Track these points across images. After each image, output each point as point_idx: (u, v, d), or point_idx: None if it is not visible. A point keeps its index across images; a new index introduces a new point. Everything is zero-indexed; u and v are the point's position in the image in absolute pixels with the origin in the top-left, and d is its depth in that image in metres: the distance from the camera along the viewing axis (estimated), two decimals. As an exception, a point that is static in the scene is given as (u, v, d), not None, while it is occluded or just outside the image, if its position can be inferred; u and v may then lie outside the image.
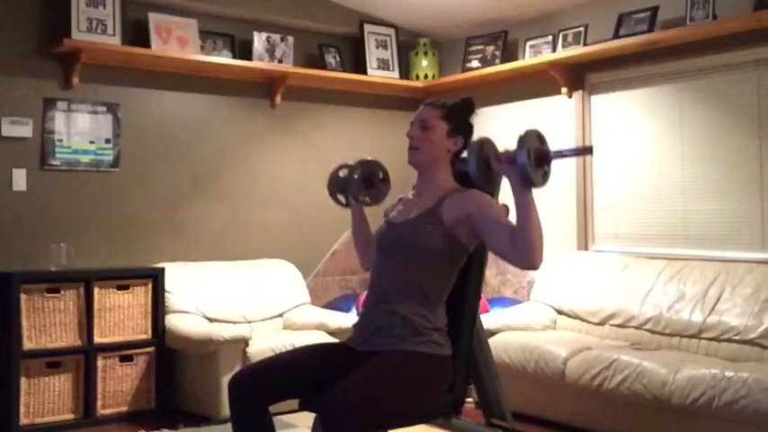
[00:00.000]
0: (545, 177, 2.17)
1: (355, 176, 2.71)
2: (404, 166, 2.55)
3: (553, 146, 2.25)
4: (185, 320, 4.19)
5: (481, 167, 2.26)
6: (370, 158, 2.77)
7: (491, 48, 5.18)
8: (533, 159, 2.11)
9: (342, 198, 2.81)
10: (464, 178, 2.40)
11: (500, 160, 2.17)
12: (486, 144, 2.30)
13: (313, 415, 2.28)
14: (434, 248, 2.32)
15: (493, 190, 2.44)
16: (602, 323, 4.20)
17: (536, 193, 2.06)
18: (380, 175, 2.76)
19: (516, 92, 5.11)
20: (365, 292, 2.55)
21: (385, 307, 2.33)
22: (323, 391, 2.13)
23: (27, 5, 4.21)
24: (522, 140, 2.13)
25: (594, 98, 4.75)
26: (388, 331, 2.30)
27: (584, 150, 2.52)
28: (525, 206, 2.12)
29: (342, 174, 2.79)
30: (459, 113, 2.48)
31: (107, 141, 4.43)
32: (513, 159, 2.12)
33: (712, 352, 3.70)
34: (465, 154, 2.41)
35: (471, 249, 2.39)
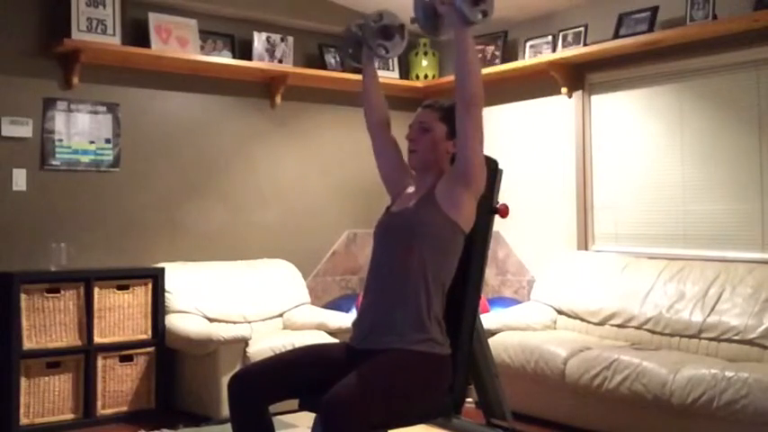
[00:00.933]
0: (485, 15, 2.33)
1: (373, 24, 2.62)
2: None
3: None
4: (185, 320, 4.19)
5: (428, 14, 2.43)
6: (387, 9, 2.66)
7: (491, 48, 5.18)
8: None
9: (354, 54, 2.71)
10: (414, 24, 2.50)
11: (443, 2, 2.33)
12: None
13: (313, 415, 2.28)
14: (432, 232, 2.33)
15: (440, 33, 2.52)
16: (602, 323, 4.20)
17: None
18: (398, 25, 2.66)
19: (516, 92, 5.11)
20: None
21: (384, 302, 2.33)
22: (323, 391, 2.12)
23: (27, 5, 4.21)
24: None
25: (594, 98, 4.75)
26: (387, 327, 2.29)
27: None
28: (463, 41, 2.29)
29: (356, 27, 2.69)
30: None
31: (107, 141, 4.43)
32: (452, 1, 2.27)
33: (712, 352, 3.70)
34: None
35: (467, 231, 2.38)
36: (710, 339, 3.73)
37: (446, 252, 2.36)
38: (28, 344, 3.83)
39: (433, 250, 2.33)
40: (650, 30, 4.25)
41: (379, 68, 5.32)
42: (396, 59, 5.48)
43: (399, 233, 2.38)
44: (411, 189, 2.54)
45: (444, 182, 2.38)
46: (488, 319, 4.14)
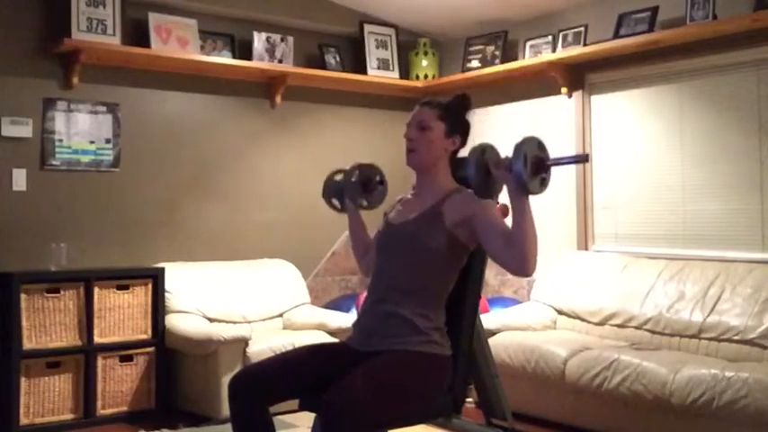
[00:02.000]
0: (543, 184, 2.17)
1: (353, 180, 2.71)
2: (403, 166, 2.55)
3: (552, 151, 2.25)
4: (185, 320, 4.19)
5: (481, 173, 2.26)
6: (367, 162, 2.76)
7: (491, 48, 5.18)
8: (530, 166, 2.11)
9: (337, 203, 2.81)
10: (463, 181, 2.40)
11: (498, 167, 2.18)
12: (487, 150, 2.30)
13: (313, 415, 2.28)
14: (435, 248, 2.32)
15: (491, 196, 2.45)
16: (602, 323, 4.20)
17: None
18: (378, 179, 2.75)
19: (516, 92, 5.11)
20: (365, 292, 2.55)
21: (385, 308, 2.33)
22: (323, 391, 2.12)
23: (27, 5, 4.21)
24: (519, 147, 2.13)
25: (594, 98, 4.75)
26: (388, 332, 2.30)
27: (581, 158, 2.52)
28: (521, 213, 2.14)
29: (338, 178, 2.78)
30: (456, 112, 2.48)
31: (107, 141, 4.43)
32: (510, 167, 2.12)
33: (712, 352, 3.70)
34: (464, 154, 2.41)
35: (472, 249, 2.39)
36: (710, 339, 3.73)
37: (448, 267, 2.37)
38: (28, 344, 3.83)
39: (434, 264, 2.33)
40: (650, 30, 4.25)
41: (378, 68, 5.36)
42: (395, 59, 5.47)
43: (400, 247, 2.38)
44: (408, 195, 2.53)
45: (461, 211, 2.31)
46: (488, 319, 4.14)
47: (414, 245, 2.34)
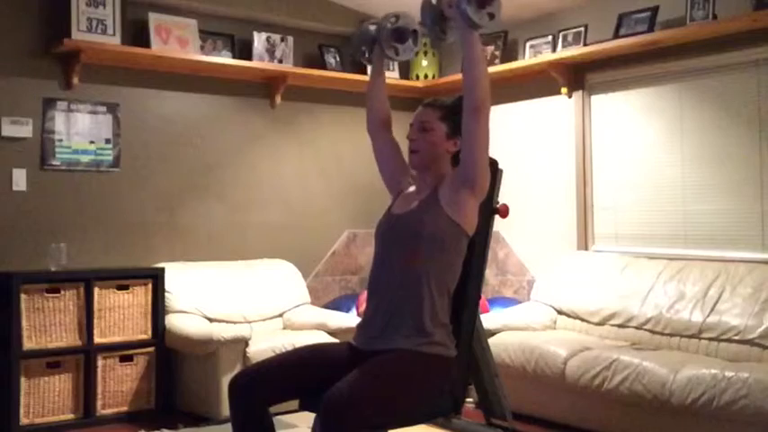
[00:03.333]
0: (492, 17, 2.28)
1: (389, 25, 2.62)
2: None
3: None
4: (185, 320, 4.19)
5: (435, 18, 2.42)
6: (406, 12, 2.68)
7: (491, 48, 5.17)
8: (475, 0, 2.25)
9: (366, 51, 2.71)
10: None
11: (450, 5, 2.31)
12: None
13: (313, 415, 2.27)
14: (436, 234, 2.32)
15: (446, 39, 2.51)
16: (602, 323, 4.20)
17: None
18: (413, 29, 2.67)
19: (516, 92, 5.11)
20: (365, 292, 2.54)
21: (389, 305, 2.32)
22: (324, 391, 2.12)
23: (27, 5, 4.21)
24: None
25: (594, 98, 4.75)
26: (393, 331, 2.29)
27: None
28: (470, 45, 2.26)
29: (371, 27, 2.69)
30: (459, 113, 2.47)
31: (107, 141, 4.43)
32: (457, 4, 2.26)
33: (712, 352, 3.70)
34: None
35: (471, 233, 2.38)
36: (710, 339, 3.73)
37: (449, 255, 2.35)
38: (28, 344, 3.83)
39: (436, 253, 2.32)
40: (650, 30, 4.25)
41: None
42: (396, 59, 5.47)
43: (402, 236, 2.37)
44: (412, 189, 2.53)
45: (448, 185, 2.37)
46: (488, 319, 4.14)
47: (416, 231, 2.33)
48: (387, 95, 2.69)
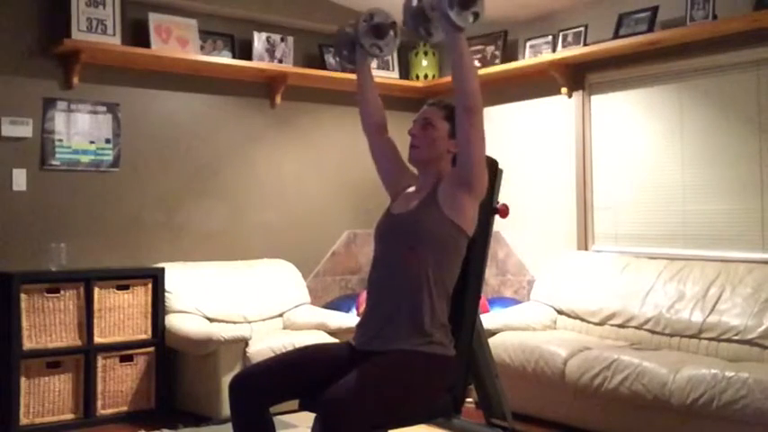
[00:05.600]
0: (476, 17, 2.27)
1: (364, 22, 2.63)
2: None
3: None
4: (185, 320, 4.19)
5: (418, 19, 2.41)
6: (378, 8, 2.68)
7: (491, 48, 5.18)
8: (457, 3, 2.23)
9: (348, 55, 2.72)
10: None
11: (433, 8, 2.31)
12: None
13: (313, 415, 2.27)
14: (435, 234, 2.32)
15: (430, 38, 2.49)
16: (602, 323, 4.20)
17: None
18: (390, 22, 2.67)
19: (516, 92, 5.11)
20: (365, 291, 2.54)
21: (388, 305, 2.33)
22: (323, 391, 2.12)
23: (27, 5, 4.21)
24: None
25: (594, 98, 4.75)
26: (391, 331, 2.29)
27: None
28: (455, 47, 2.25)
29: (349, 29, 2.69)
30: None
31: (107, 141, 4.43)
32: (438, 6, 2.25)
33: (712, 352, 3.70)
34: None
35: (470, 234, 2.38)
36: (710, 339, 3.73)
37: (448, 255, 2.35)
38: (28, 344, 3.83)
39: (435, 253, 2.32)
40: (650, 30, 4.25)
41: (378, 68, 5.36)
42: (395, 59, 5.48)
43: (401, 236, 2.37)
44: (411, 189, 2.53)
45: (446, 185, 2.37)
46: (488, 319, 4.14)
47: (415, 232, 2.34)
48: (377, 94, 2.69)
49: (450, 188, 2.35)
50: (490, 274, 5.17)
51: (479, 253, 2.52)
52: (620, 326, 4.11)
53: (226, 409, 3.35)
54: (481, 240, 2.53)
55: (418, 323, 2.28)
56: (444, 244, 2.33)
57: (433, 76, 5.53)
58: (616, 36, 4.41)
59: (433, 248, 2.32)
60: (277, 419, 2.36)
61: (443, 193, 2.36)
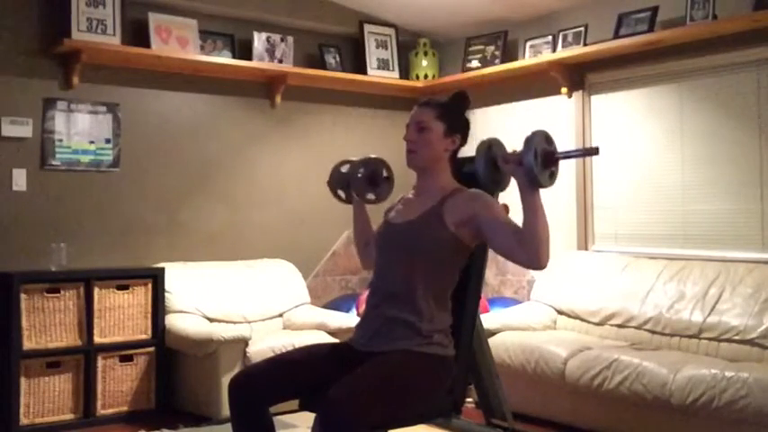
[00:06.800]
0: (552, 177, 2.19)
1: (359, 175, 2.69)
2: (404, 166, 2.54)
3: (557, 146, 2.27)
4: (185, 320, 4.19)
5: (489, 168, 2.31)
6: (373, 156, 2.75)
7: (491, 48, 5.18)
8: (540, 160, 2.13)
9: (343, 194, 2.79)
10: (469, 178, 2.41)
11: (507, 161, 2.19)
12: (494, 145, 2.32)
13: (313, 415, 2.27)
14: (436, 249, 2.32)
15: (500, 190, 2.44)
16: (602, 323, 4.20)
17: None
18: (384, 174, 2.74)
19: (516, 92, 5.12)
20: (365, 292, 2.55)
21: (386, 311, 2.33)
22: (323, 391, 2.12)
23: (27, 5, 4.21)
24: (530, 141, 2.15)
25: (594, 98, 4.75)
26: (391, 331, 2.30)
27: (591, 151, 2.55)
28: (533, 206, 2.14)
29: (344, 169, 2.76)
30: (455, 111, 2.47)
31: (107, 141, 4.43)
32: (520, 160, 2.13)
33: (712, 352, 3.70)
34: (472, 153, 2.41)
35: (473, 248, 2.39)
36: (710, 339, 3.73)
37: (448, 265, 2.36)
38: (28, 344, 3.83)
39: (434, 264, 2.33)
40: (650, 30, 4.25)
41: (378, 68, 5.36)
42: (395, 59, 5.47)
43: (400, 247, 2.37)
44: (410, 195, 2.53)
45: (461, 211, 2.32)
46: (488, 319, 4.14)
47: (414, 245, 2.34)
48: (371, 226, 2.72)
49: (466, 218, 2.30)
50: (490, 274, 5.17)
51: (480, 253, 2.51)
52: (620, 326, 4.11)
53: (226, 409, 3.34)
54: (481, 241, 2.53)
55: (418, 325, 2.28)
56: (444, 255, 2.33)
57: (433, 76, 5.53)
58: (616, 36, 4.41)
59: (432, 259, 2.32)
60: (277, 419, 2.36)
61: (454, 214, 2.32)
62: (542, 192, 2.19)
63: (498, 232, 2.22)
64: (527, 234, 2.14)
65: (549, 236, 2.14)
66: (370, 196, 2.73)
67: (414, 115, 2.46)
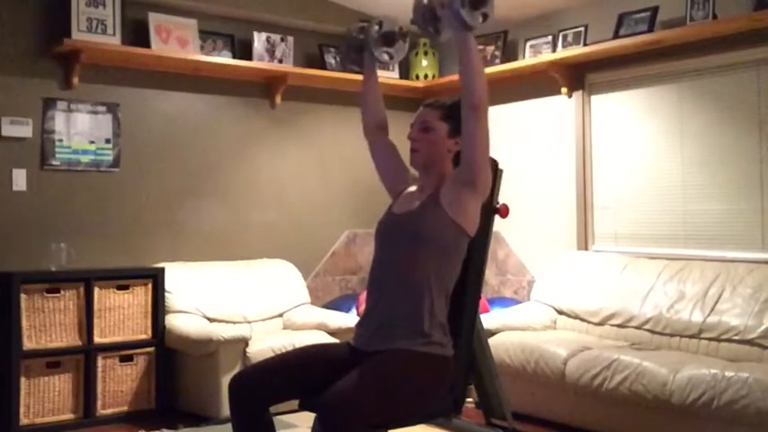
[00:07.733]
0: (485, 18, 2.30)
1: (375, 32, 2.63)
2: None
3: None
4: (185, 320, 4.19)
5: (427, 16, 2.42)
6: (386, 15, 2.69)
7: (491, 48, 5.17)
8: (469, 3, 2.25)
9: (356, 58, 2.72)
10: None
11: (444, 6, 2.30)
12: None
13: (313, 415, 2.27)
14: (438, 236, 2.32)
15: (441, 39, 2.49)
16: (602, 323, 4.20)
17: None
18: (399, 30, 2.68)
19: (516, 92, 5.11)
20: (365, 291, 2.54)
21: (387, 304, 2.32)
22: (324, 391, 2.12)
23: (27, 5, 4.21)
24: None
25: (594, 98, 4.75)
26: (390, 330, 2.29)
27: None
28: (465, 47, 2.27)
29: (358, 35, 2.70)
30: (459, 113, 2.47)
31: (107, 141, 4.43)
32: (450, 5, 2.25)
33: (712, 352, 3.70)
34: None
35: (471, 235, 2.38)
36: (710, 339, 3.73)
37: (449, 256, 2.35)
38: (28, 344, 3.83)
39: (436, 254, 2.32)
40: (650, 30, 4.25)
41: (379, 68, 5.34)
42: (396, 59, 5.47)
43: (402, 236, 2.37)
44: (413, 188, 2.53)
45: (449, 185, 2.37)
46: (488, 319, 4.14)
47: (416, 231, 2.33)
48: (381, 97, 2.70)
49: (454, 188, 2.34)
50: (490, 274, 5.17)
51: (479, 253, 2.52)
52: (620, 326, 4.11)
53: (226, 409, 3.35)
54: (481, 240, 2.53)
55: (417, 323, 2.28)
56: (445, 244, 2.33)
57: (433, 76, 5.53)
58: (616, 36, 4.41)
59: (434, 248, 2.32)
60: (277, 419, 2.36)
61: (446, 193, 2.36)
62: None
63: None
64: (461, 72, 2.27)
65: (483, 70, 2.29)
66: (385, 56, 2.68)
67: (419, 115, 2.48)
